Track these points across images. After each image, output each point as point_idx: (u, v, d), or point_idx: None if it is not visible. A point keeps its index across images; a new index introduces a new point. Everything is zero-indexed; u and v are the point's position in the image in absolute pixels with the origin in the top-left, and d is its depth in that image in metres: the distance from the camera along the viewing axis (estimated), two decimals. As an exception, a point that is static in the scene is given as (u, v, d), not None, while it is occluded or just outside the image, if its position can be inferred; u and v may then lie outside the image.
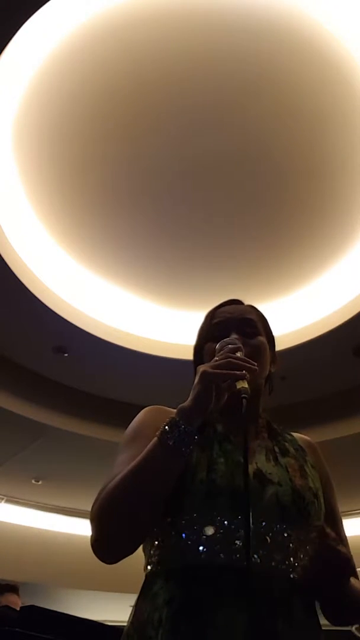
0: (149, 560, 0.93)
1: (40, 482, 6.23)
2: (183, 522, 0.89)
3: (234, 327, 1.05)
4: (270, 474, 0.94)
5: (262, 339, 1.07)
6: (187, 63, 3.22)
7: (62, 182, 3.84)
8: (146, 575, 0.93)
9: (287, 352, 4.01)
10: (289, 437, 1.07)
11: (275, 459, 0.98)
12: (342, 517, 1.08)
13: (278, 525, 0.88)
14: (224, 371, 0.87)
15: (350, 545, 0.99)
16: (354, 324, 4.10)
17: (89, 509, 0.91)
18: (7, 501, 6.53)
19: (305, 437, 1.11)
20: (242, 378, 0.86)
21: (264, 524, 0.88)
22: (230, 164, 3.71)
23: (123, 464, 0.91)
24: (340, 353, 4.39)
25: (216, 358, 0.91)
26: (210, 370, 0.87)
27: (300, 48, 3.12)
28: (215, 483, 0.89)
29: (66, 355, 4.65)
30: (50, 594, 6.99)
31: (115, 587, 5.91)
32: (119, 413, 4.95)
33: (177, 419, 0.86)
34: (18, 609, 3.35)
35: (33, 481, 6.20)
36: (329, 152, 3.59)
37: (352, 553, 0.88)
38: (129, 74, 3.27)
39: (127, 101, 3.40)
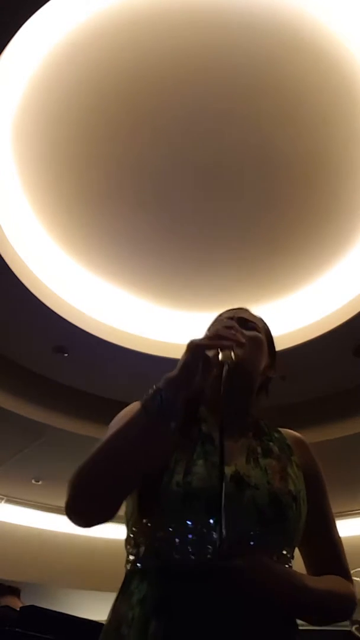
0: (127, 559, 0.95)
1: (40, 482, 6.23)
2: (158, 523, 0.89)
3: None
4: (248, 477, 0.93)
5: (261, 335, 1.09)
6: (189, 64, 3.22)
7: (62, 182, 3.84)
8: (125, 574, 0.94)
9: (287, 352, 4.00)
10: (276, 435, 1.06)
11: (256, 460, 0.97)
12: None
13: (253, 530, 0.88)
14: (211, 342, 0.89)
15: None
16: (354, 324, 4.10)
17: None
18: (7, 501, 6.53)
19: (295, 433, 1.10)
20: (229, 348, 0.88)
21: (237, 528, 0.86)
22: (229, 164, 3.70)
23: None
24: (340, 353, 4.39)
25: (207, 332, 0.94)
26: (197, 340, 0.89)
27: (302, 48, 3.12)
28: (191, 485, 0.89)
29: (66, 355, 4.65)
30: (50, 594, 6.99)
31: (115, 587, 5.86)
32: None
33: (160, 386, 0.87)
34: (18, 610, 3.33)
35: (33, 481, 6.20)
36: (329, 153, 3.59)
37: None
38: (129, 74, 3.27)
39: (127, 101, 3.40)
